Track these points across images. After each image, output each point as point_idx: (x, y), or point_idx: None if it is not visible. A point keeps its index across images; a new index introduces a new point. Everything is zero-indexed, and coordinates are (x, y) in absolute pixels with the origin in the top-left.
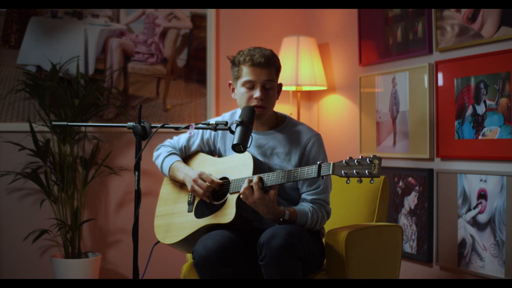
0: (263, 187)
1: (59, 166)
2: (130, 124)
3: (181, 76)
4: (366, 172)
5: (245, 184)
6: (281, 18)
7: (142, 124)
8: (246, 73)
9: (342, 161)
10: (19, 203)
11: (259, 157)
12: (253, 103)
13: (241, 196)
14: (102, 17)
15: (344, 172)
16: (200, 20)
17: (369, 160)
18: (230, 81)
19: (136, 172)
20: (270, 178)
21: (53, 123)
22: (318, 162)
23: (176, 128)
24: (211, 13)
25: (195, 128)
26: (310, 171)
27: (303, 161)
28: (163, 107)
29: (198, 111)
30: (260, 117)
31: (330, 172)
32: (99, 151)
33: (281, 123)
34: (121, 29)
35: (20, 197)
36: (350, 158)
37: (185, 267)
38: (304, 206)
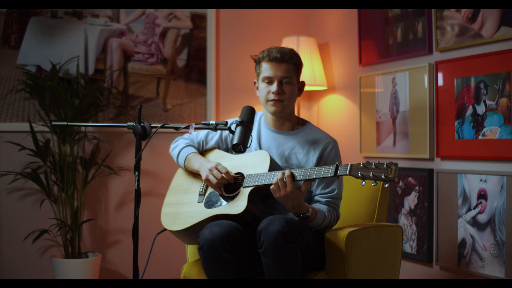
0: (294, 181)
1: (59, 166)
2: (130, 124)
3: (181, 76)
4: (383, 175)
5: (278, 176)
6: (281, 18)
7: (142, 124)
8: (265, 69)
9: (360, 163)
10: (19, 203)
11: (277, 157)
12: (271, 97)
13: (272, 187)
14: (102, 17)
15: (360, 173)
16: (200, 20)
17: (386, 164)
18: (255, 80)
19: (136, 172)
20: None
21: (53, 123)
22: (336, 163)
23: (176, 128)
24: (211, 13)
25: (195, 128)
26: (327, 170)
27: (321, 163)
28: (163, 107)
29: (198, 111)
30: (277, 112)
31: (347, 173)
32: (99, 151)
33: (301, 126)
34: (121, 29)
35: (20, 197)
36: (368, 161)
37: (185, 267)
38: (321, 207)
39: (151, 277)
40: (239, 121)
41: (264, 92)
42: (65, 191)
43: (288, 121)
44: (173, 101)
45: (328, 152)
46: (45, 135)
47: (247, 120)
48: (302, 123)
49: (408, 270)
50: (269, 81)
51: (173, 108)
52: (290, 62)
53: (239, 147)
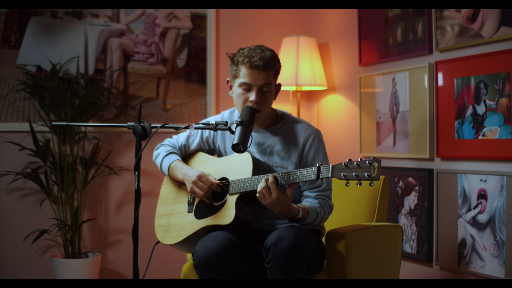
0: (279, 186)
1: (59, 166)
2: (130, 124)
3: (181, 76)
4: (366, 174)
5: (262, 184)
6: (281, 18)
7: (142, 124)
8: (244, 75)
9: (341, 163)
10: (19, 203)
11: (259, 155)
12: (249, 105)
13: (257, 195)
14: (102, 17)
15: (343, 174)
16: (200, 20)
17: (368, 162)
18: (228, 78)
19: (136, 172)
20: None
21: (53, 123)
22: (317, 164)
23: (176, 128)
24: (211, 13)
25: (195, 128)
26: (309, 173)
27: (303, 159)
28: (163, 107)
29: (198, 111)
30: (255, 120)
31: (329, 175)
32: (99, 151)
33: (280, 121)
34: (121, 29)
35: (20, 197)
36: (349, 160)
37: (185, 267)
38: (312, 203)
39: (151, 277)
40: (239, 121)
41: (241, 99)
42: (65, 191)
43: (265, 118)
44: (173, 101)
45: (309, 145)
46: (45, 135)
47: (247, 120)
48: (281, 116)
49: (408, 270)
50: (248, 88)
51: (173, 108)
52: (272, 69)
53: (239, 147)
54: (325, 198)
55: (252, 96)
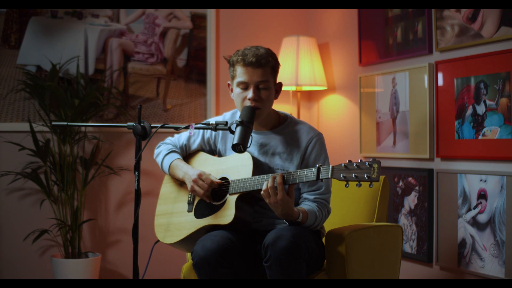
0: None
1: (59, 166)
2: (130, 124)
3: (181, 76)
4: (365, 176)
5: (269, 183)
6: (281, 18)
7: (142, 124)
8: (240, 74)
9: (341, 164)
10: (19, 203)
11: (260, 157)
12: (247, 104)
13: (262, 193)
14: (102, 17)
15: (343, 175)
16: (200, 20)
17: (368, 164)
18: (229, 82)
19: (136, 172)
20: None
21: (53, 123)
22: (318, 165)
23: (176, 128)
24: (211, 13)
25: (195, 128)
26: (309, 173)
27: (304, 162)
28: (163, 107)
29: (198, 111)
30: (256, 118)
31: (329, 176)
32: (99, 151)
33: (283, 123)
34: (121, 29)
35: (20, 197)
36: (349, 161)
37: (185, 267)
38: (311, 206)
39: (151, 277)
40: (239, 121)
41: (239, 98)
42: (65, 191)
43: (267, 120)
44: (173, 101)
45: (311, 148)
46: (45, 135)
47: (247, 120)
48: (283, 119)
49: (408, 270)
50: (245, 86)
51: (173, 108)
52: (267, 65)
53: (239, 147)
54: (323, 201)
55: (250, 94)
